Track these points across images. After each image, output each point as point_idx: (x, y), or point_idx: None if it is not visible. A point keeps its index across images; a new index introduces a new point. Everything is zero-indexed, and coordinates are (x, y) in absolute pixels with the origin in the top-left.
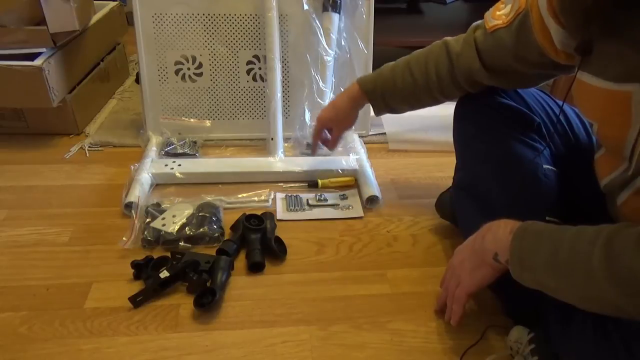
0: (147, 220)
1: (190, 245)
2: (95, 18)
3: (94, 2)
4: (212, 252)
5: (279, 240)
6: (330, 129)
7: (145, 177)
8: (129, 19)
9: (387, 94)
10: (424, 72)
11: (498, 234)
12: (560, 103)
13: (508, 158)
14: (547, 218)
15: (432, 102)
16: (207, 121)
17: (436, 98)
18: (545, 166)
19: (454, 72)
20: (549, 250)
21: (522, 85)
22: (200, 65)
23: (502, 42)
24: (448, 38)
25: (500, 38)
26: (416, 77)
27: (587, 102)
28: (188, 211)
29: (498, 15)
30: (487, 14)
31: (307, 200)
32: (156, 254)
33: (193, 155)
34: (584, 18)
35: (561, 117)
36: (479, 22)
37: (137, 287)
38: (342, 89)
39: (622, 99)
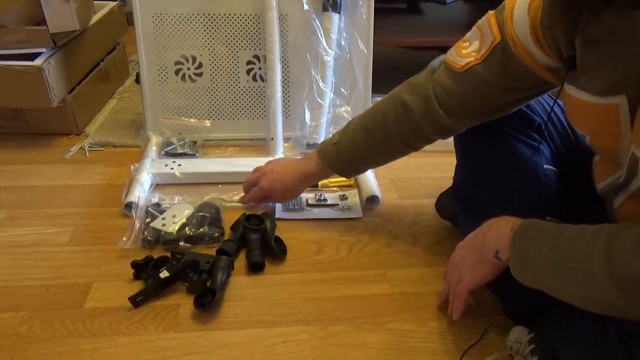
0: (147, 220)
1: (190, 245)
2: (95, 18)
3: (94, 2)
4: (212, 252)
5: (279, 240)
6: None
7: (145, 177)
8: (129, 19)
9: (353, 162)
10: (389, 139)
11: (499, 231)
12: (561, 102)
13: (508, 158)
14: (547, 218)
15: (408, 151)
16: (207, 121)
17: (411, 149)
18: (545, 166)
19: (422, 131)
20: (549, 249)
21: (494, 116)
22: (200, 65)
23: (482, 78)
24: (403, 94)
25: (478, 74)
26: (381, 143)
27: (577, 116)
28: (188, 211)
29: (466, 54)
30: (451, 55)
31: (307, 200)
32: (156, 254)
33: (193, 155)
34: (567, 34)
35: (561, 117)
36: (433, 64)
37: (137, 287)
38: (342, 89)
39: (610, 111)
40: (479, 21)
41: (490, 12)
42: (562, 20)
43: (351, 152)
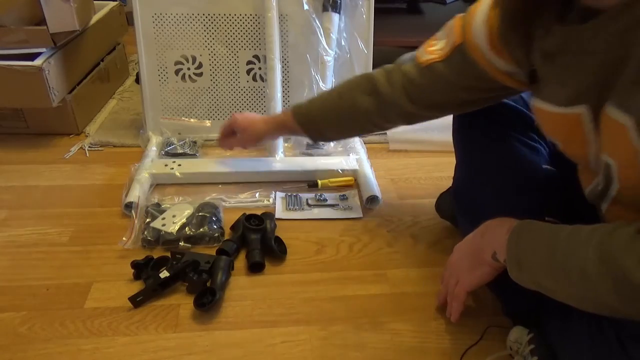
0: (147, 220)
1: (190, 245)
2: (95, 18)
3: (94, 2)
4: (212, 252)
5: (279, 240)
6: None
7: (145, 177)
8: (129, 19)
9: (321, 122)
10: (355, 107)
11: (496, 232)
12: None
13: (508, 158)
14: (546, 218)
15: (373, 129)
16: (207, 121)
17: (374, 126)
18: (544, 166)
19: (386, 110)
20: (545, 250)
21: (459, 111)
22: (200, 65)
23: (442, 75)
24: (375, 73)
25: (438, 71)
26: (346, 109)
27: (546, 125)
28: (188, 211)
29: (432, 50)
30: (420, 50)
31: (307, 200)
32: (156, 254)
33: (193, 155)
34: (524, 46)
35: None
36: (405, 56)
37: (137, 287)
38: None
39: (574, 121)
40: (448, 21)
41: (458, 15)
42: (517, 36)
43: (320, 111)
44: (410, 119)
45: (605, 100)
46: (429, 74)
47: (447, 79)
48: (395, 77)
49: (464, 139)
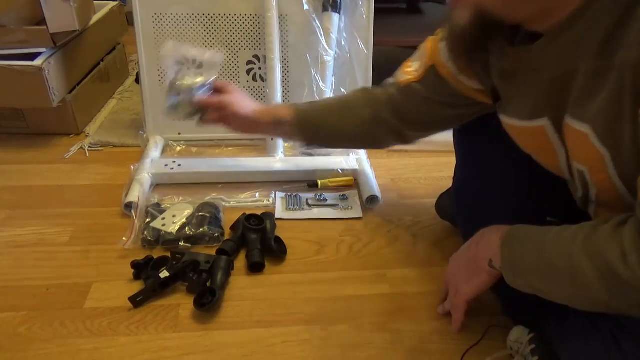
0: (147, 220)
1: (190, 245)
2: (95, 18)
3: (94, 2)
4: (212, 252)
5: (279, 240)
6: (222, 108)
7: (145, 177)
8: (129, 19)
9: (320, 121)
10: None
11: (490, 240)
12: None
13: (509, 158)
14: (547, 219)
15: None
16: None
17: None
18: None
19: (379, 124)
20: (534, 253)
21: (442, 129)
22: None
23: (419, 94)
24: (368, 89)
25: (416, 91)
26: (349, 118)
27: (517, 139)
28: (188, 211)
29: (408, 72)
30: (398, 72)
31: (307, 200)
32: (156, 254)
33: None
34: (483, 67)
35: None
36: (388, 80)
37: (137, 287)
38: (342, 89)
39: (539, 133)
40: (421, 44)
41: (430, 37)
42: (475, 60)
43: (321, 113)
44: (402, 139)
45: (564, 111)
46: (408, 93)
47: (425, 96)
48: (382, 97)
49: (465, 139)
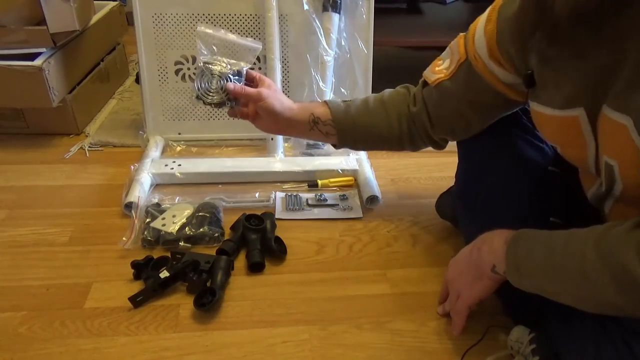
0: (147, 220)
1: (190, 245)
2: (95, 18)
3: (94, 2)
4: (212, 252)
5: (278, 240)
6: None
7: (145, 177)
8: (129, 19)
9: (358, 120)
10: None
11: (493, 245)
12: None
13: (512, 158)
14: (551, 219)
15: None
16: (207, 121)
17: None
18: (549, 168)
19: (414, 125)
20: (543, 254)
21: (466, 134)
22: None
23: (450, 92)
24: (406, 86)
25: (446, 89)
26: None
27: (544, 129)
28: (188, 211)
29: (438, 70)
30: (427, 71)
31: (307, 200)
32: (156, 254)
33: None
34: (520, 52)
35: None
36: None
37: (137, 287)
38: (342, 89)
39: (572, 123)
40: (452, 42)
41: (461, 34)
42: (513, 47)
43: (358, 111)
44: (431, 140)
45: (602, 102)
46: (437, 93)
47: (455, 95)
48: (418, 97)
49: (467, 140)
